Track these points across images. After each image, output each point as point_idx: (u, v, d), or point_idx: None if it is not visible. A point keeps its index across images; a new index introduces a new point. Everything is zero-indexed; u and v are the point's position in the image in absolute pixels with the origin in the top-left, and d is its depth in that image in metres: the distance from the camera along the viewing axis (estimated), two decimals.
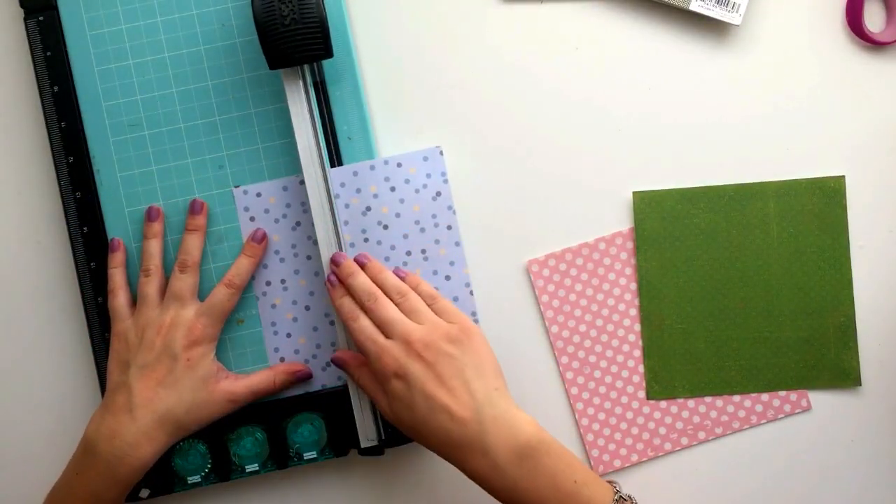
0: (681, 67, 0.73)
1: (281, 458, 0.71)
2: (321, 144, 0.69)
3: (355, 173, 0.70)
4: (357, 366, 0.67)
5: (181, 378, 0.67)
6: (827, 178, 0.72)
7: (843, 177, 0.72)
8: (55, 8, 0.71)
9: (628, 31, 0.73)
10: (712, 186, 0.73)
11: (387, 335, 0.65)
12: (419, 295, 0.67)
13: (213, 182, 0.72)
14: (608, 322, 0.73)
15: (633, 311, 0.73)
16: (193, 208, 0.70)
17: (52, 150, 0.71)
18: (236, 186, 0.72)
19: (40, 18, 0.71)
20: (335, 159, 0.71)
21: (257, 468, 0.71)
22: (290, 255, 0.71)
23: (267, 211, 0.71)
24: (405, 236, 0.70)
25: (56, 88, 0.71)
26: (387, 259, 0.70)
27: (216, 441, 0.71)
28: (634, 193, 0.73)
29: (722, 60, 0.73)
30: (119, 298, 0.70)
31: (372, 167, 0.70)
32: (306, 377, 0.71)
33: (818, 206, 0.72)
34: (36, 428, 0.74)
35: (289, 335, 0.72)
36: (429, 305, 0.67)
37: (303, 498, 0.74)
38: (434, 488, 0.74)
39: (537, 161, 0.73)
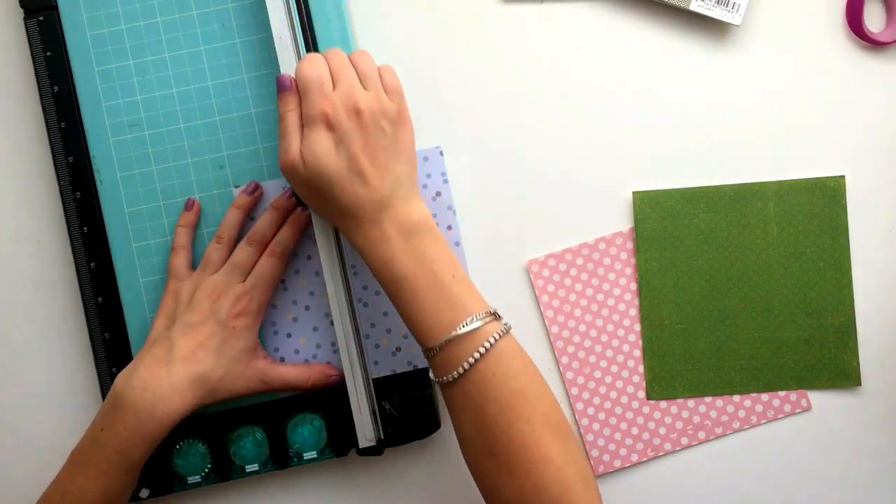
0: (681, 67, 0.73)
1: (281, 458, 0.71)
2: None
3: None
4: (293, 95, 0.65)
5: (223, 345, 0.67)
6: (827, 178, 0.72)
7: (843, 177, 0.72)
8: (55, 8, 0.71)
9: (628, 31, 0.73)
10: (712, 186, 0.73)
11: (333, 85, 0.64)
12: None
13: (213, 182, 0.72)
14: (608, 322, 0.73)
15: (633, 311, 0.73)
16: (287, 194, 0.71)
17: (52, 149, 0.71)
18: (236, 186, 0.72)
19: (40, 18, 0.71)
20: None
21: (257, 468, 0.71)
22: (290, 255, 0.71)
23: None
24: None
25: (56, 88, 0.71)
26: None
27: (216, 441, 0.71)
28: (634, 193, 0.73)
29: (722, 60, 0.73)
30: (180, 258, 0.70)
31: None
32: (336, 384, 0.71)
33: (818, 207, 0.72)
34: (36, 428, 0.74)
35: (289, 335, 0.72)
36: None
37: (303, 498, 0.74)
38: (434, 488, 0.74)
39: (537, 161, 0.73)
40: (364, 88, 0.64)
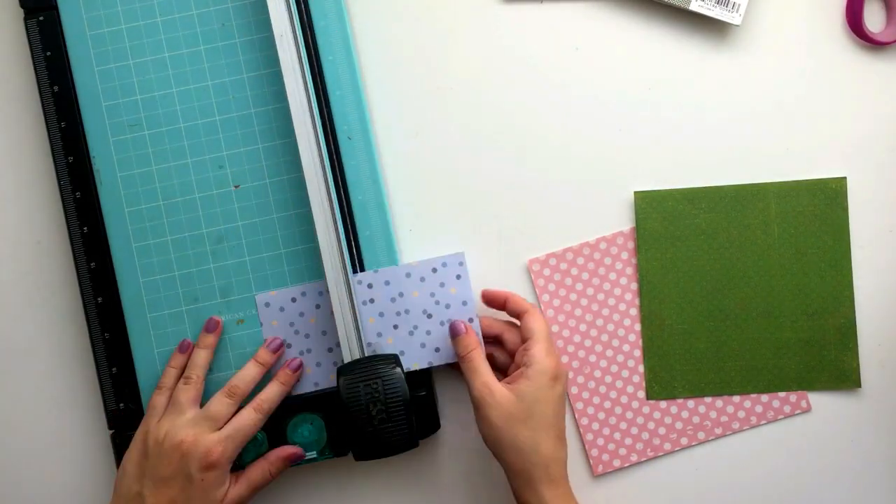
0: (681, 67, 0.73)
1: None
2: (321, 144, 0.69)
3: (387, 282, 0.71)
4: (470, 336, 0.68)
5: (193, 498, 0.65)
6: (828, 179, 0.72)
7: (845, 178, 0.72)
8: (55, 8, 0.71)
9: (628, 31, 0.73)
10: (713, 187, 0.73)
11: None
12: None
13: (213, 182, 0.72)
14: (608, 322, 0.73)
15: (634, 311, 0.73)
16: (272, 347, 0.71)
17: (52, 150, 0.71)
18: (236, 186, 0.71)
19: (40, 18, 0.71)
20: (335, 159, 0.71)
21: None
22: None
23: None
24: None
25: (56, 88, 0.71)
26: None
27: None
28: (636, 193, 0.73)
29: (722, 60, 0.73)
30: (163, 397, 0.69)
31: (408, 274, 0.71)
32: (300, 457, 0.70)
33: (819, 208, 0.72)
34: (36, 428, 0.74)
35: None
36: None
37: (303, 498, 0.74)
38: (434, 488, 0.74)
39: (539, 161, 0.73)
40: None
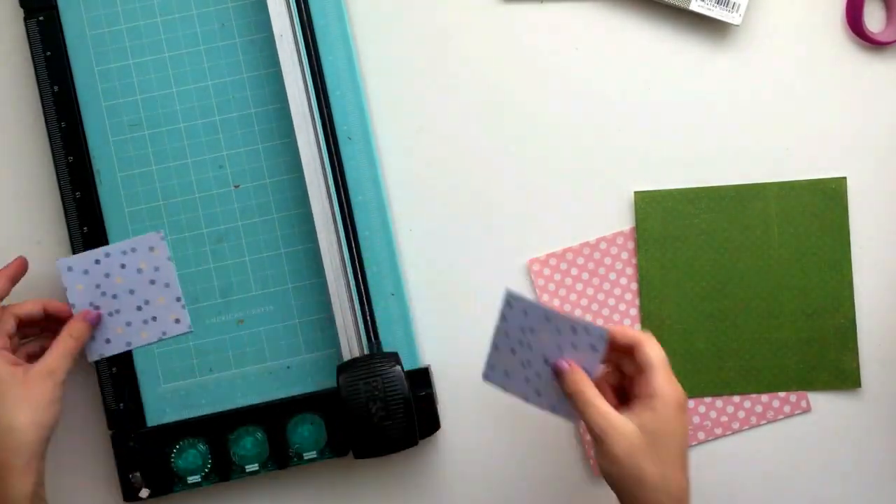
0: (681, 67, 0.73)
1: (281, 458, 0.71)
2: (321, 144, 0.69)
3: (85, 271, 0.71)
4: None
5: None
6: (828, 179, 0.72)
7: (845, 178, 0.72)
8: (55, 8, 0.71)
9: (628, 31, 0.73)
10: (713, 187, 0.73)
11: None
12: None
13: (212, 182, 0.72)
14: (608, 322, 0.73)
15: (634, 311, 0.73)
16: None
17: (52, 150, 0.71)
18: (236, 186, 0.71)
19: (40, 18, 0.71)
20: (335, 159, 0.71)
21: (257, 468, 0.71)
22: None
23: None
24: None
25: (56, 88, 0.71)
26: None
27: (216, 441, 0.71)
28: (636, 193, 0.73)
29: (722, 60, 0.73)
30: None
31: (107, 254, 0.70)
32: (97, 319, 0.70)
33: (819, 208, 0.72)
34: None
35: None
36: None
37: (303, 498, 0.74)
38: (434, 488, 0.74)
39: (538, 161, 0.73)
40: None
